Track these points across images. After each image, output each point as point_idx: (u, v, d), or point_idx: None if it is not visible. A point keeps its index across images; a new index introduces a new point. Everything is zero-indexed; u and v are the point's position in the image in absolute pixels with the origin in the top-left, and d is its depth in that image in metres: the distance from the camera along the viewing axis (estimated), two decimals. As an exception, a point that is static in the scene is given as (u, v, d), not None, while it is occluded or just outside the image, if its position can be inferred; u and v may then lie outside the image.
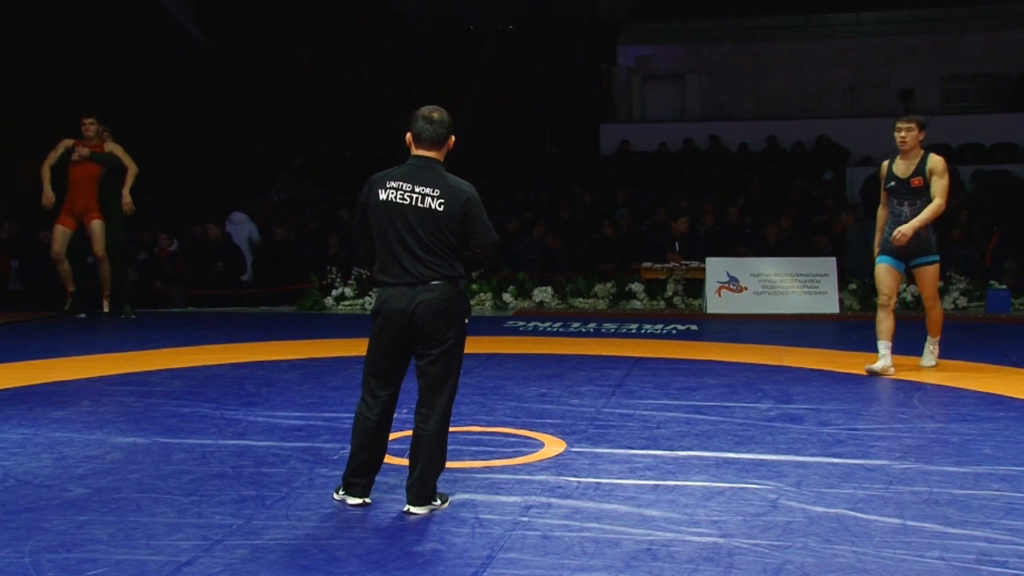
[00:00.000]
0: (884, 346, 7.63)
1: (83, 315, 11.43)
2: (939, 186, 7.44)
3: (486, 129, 19.45)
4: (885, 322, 7.62)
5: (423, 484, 4.42)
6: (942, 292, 12.09)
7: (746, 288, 12.19)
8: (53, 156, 11.15)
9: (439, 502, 4.48)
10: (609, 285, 12.70)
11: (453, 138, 4.56)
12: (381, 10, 23.68)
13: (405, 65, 21.00)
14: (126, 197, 11.22)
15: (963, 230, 13.44)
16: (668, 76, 20.51)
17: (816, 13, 19.82)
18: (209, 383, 7.49)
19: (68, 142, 11.15)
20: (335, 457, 5.33)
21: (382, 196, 4.43)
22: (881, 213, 7.80)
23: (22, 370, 8.12)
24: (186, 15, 19.99)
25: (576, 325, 11.09)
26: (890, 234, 7.55)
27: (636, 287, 12.62)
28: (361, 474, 4.52)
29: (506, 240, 12.93)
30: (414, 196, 4.39)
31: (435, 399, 4.43)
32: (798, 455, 5.39)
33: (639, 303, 12.54)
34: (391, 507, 4.49)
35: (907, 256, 7.62)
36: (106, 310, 11.57)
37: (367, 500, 4.54)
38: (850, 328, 10.88)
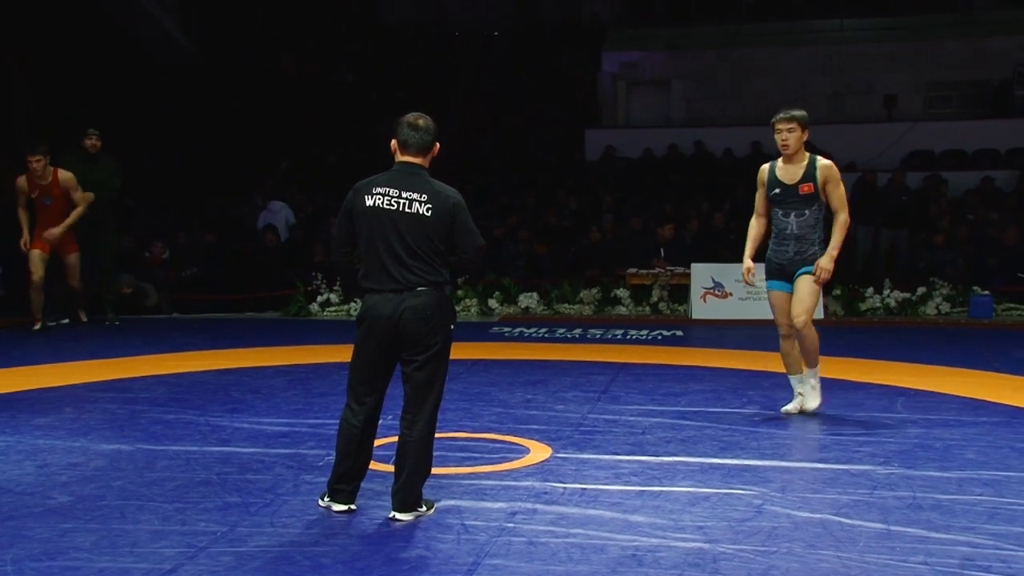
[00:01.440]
0: (796, 381, 6.68)
1: (65, 320, 11.34)
2: (838, 196, 6.37)
3: (471, 134, 19.45)
4: (791, 353, 6.61)
5: (409, 491, 4.41)
6: (926, 298, 12.17)
7: (731, 294, 12.22)
8: (21, 199, 10.73)
9: (424, 509, 4.47)
10: (595, 291, 12.71)
11: (438, 145, 4.57)
12: (366, 14, 23.67)
13: (390, 70, 20.99)
14: (55, 232, 10.68)
15: (945, 235, 13.52)
16: (653, 82, 20.57)
17: (800, 20, 19.92)
18: (194, 389, 7.46)
19: (22, 182, 10.69)
20: (320, 464, 5.32)
21: (368, 202, 4.42)
22: (756, 224, 6.77)
23: (5, 376, 8.07)
24: (170, 19, 19.92)
25: (562, 331, 11.09)
26: (776, 252, 6.62)
27: (622, 293, 12.63)
28: (346, 480, 4.51)
29: (492, 246, 12.93)
30: (401, 202, 4.39)
31: (421, 405, 4.42)
32: (783, 460, 5.41)
33: (625, 309, 12.55)
34: (376, 513, 4.48)
35: (793, 268, 6.54)
36: (83, 319, 11.46)
37: (352, 507, 4.53)
38: (834, 334, 10.92)
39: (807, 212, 6.43)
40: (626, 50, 20.49)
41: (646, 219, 14.46)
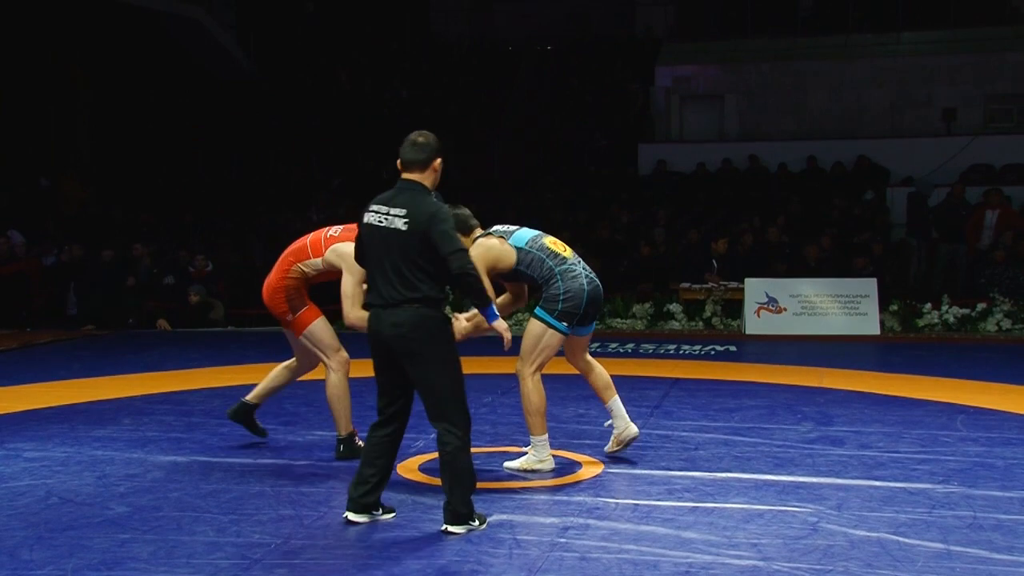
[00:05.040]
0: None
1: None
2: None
3: (524, 149, 19.49)
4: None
5: (457, 504, 4.43)
6: (986, 314, 11.94)
7: (785, 309, 12.09)
8: None
9: (476, 523, 4.47)
10: (647, 305, 12.64)
11: (439, 160, 4.56)
12: (420, 30, 23.86)
13: (443, 85, 21.13)
14: None
15: (1007, 251, 13.25)
16: (706, 96, 20.45)
17: (857, 33, 19.69)
18: (248, 402, 7.53)
19: None
20: (373, 477, 5.33)
21: (365, 219, 4.54)
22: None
23: (65, 389, 8.23)
24: (228, 36, 20.26)
25: (614, 345, 11.05)
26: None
27: (674, 308, 12.56)
28: (366, 491, 4.54)
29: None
30: (388, 218, 4.46)
31: (436, 419, 4.48)
32: (839, 478, 5.33)
33: (677, 324, 12.47)
34: (429, 527, 4.48)
35: None
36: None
37: (375, 516, 4.56)
38: (891, 350, 10.76)
39: None
40: (679, 64, 20.40)
41: (700, 233, 14.38)
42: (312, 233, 5.91)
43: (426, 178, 4.55)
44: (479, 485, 4.58)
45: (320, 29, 22.60)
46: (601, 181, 18.26)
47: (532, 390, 5.47)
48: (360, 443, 5.61)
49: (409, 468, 5.51)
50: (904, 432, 6.48)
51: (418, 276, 4.42)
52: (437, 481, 5.18)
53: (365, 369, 5.10)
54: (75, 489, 5.17)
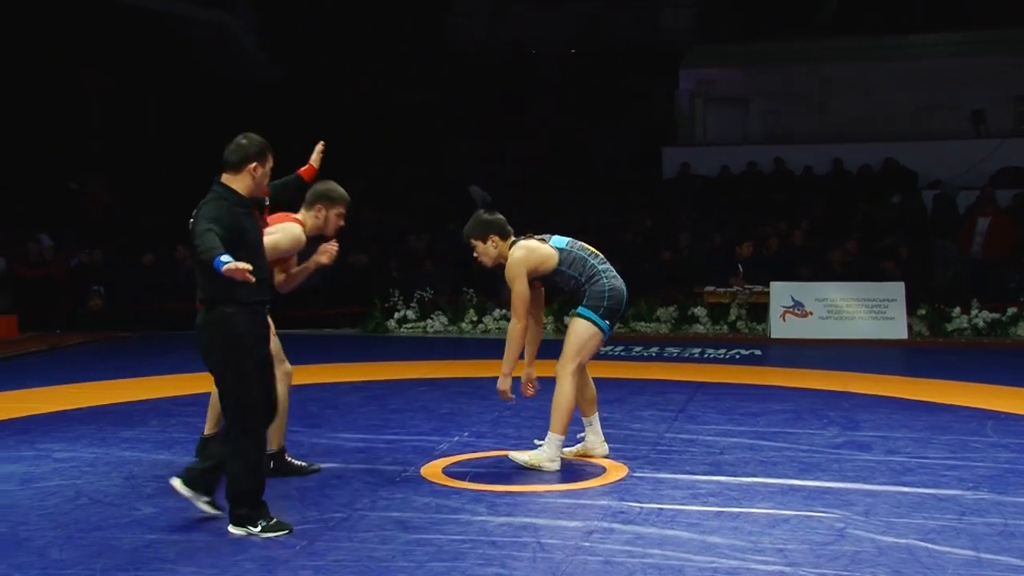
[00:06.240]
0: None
1: None
2: None
3: (545, 153, 19.48)
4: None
5: (231, 504, 4.47)
6: (1017, 318, 11.82)
7: (811, 313, 12.03)
8: None
9: (256, 529, 4.42)
10: (671, 309, 12.61)
11: (255, 165, 4.47)
12: (439, 34, 23.89)
13: (463, 89, 21.14)
14: None
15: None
16: (730, 99, 20.37)
17: (883, 34, 19.55)
18: (274, 404, 7.56)
19: None
20: (398, 479, 5.35)
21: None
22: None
23: (93, 390, 8.30)
24: (249, 39, 20.36)
25: (638, 349, 11.02)
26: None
27: (699, 311, 12.52)
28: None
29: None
30: (192, 220, 4.43)
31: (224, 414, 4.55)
32: (866, 483, 5.29)
33: (702, 327, 12.43)
34: (453, 529, 4.48)
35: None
36: None
37: (198, 496, 4.62)
38: (919, 354, 10.67)
39: None
40: (703, 67, 20.33)
41: (724, 237, 14.33)
42: None
43: (237, 181, 4.47)
44: (505, 488, 4.57)
45: (338, 33, 22.67)
46: (624, 185, 18.23)
47: (572, 390, 5.50)
48: (290, 460, 5.52)
49: (432, 471, 5.51)
50: (933, 437, 6.42)
51: (205, 279, 4.39)
52: (461, 484, 5.20)
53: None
54: (104, 490, 5.21)
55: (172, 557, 4.16)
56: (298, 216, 5.56)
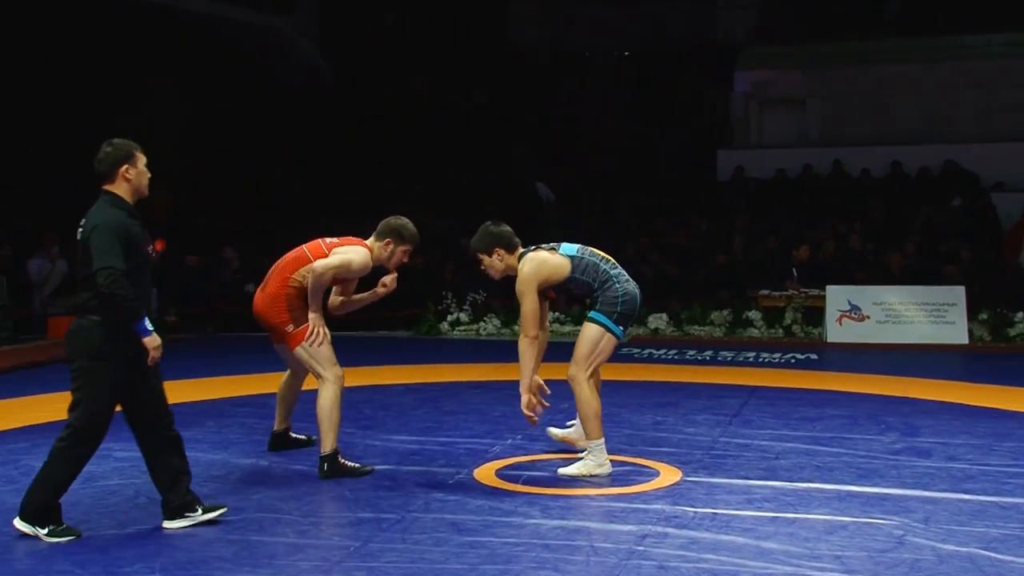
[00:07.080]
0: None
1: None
2: None
3: (601, 155, 19.44)
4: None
5: (27, 503, 4.44)
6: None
7: (868, 317, 11.86)
8: None
9: (44, 531, 4.41)
10: (726, 313, 12.51)
11: (124, 167, 4.48)
12: (497, 37, 23.96)
13: (520, 92, 21.18)
14: None
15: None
16: (787, 101, 20.16)
17: (944, 35, 19.21)
18: (328, 406, 7.62)
19: None
20: (451, 481, 5.37)
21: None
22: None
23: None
24: (311, 45, 20.58)
25: (692, 353, 10.94)
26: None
27: (753, 315, 12.40)
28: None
29: (624, 266, 12.84)
30: (80, 230, 4.46)
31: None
32: (926, 490, 5.19)
33: (756, 331, 12.31)
34: (506, 532, 4.48)
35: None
36: None
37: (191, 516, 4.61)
38: (980, 359, 10.47)
39: None
40: (759, 69, 20.15)
41: (780, 240, 14.18)
42: (309, 242, 5.90)
43: (117, 187, 4.49)
44: (558, 491, 4.55)
45: (397, 37, 22.83)
46: (679, 188, 18.13)
47: (590, 393, 5.46)
48: (344, 462, 5.54)
49: (486, 474, 5.52)
50: (994, 444, 6.29)
51: (84, 287, 4.43)
52: (514, 487, 5.20)
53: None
54: (161, 489, 5.29)
55: (229, 557, 4.21)
56: (367, 243, 5.75)
